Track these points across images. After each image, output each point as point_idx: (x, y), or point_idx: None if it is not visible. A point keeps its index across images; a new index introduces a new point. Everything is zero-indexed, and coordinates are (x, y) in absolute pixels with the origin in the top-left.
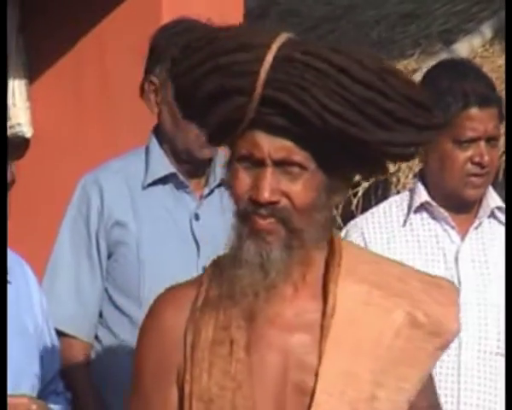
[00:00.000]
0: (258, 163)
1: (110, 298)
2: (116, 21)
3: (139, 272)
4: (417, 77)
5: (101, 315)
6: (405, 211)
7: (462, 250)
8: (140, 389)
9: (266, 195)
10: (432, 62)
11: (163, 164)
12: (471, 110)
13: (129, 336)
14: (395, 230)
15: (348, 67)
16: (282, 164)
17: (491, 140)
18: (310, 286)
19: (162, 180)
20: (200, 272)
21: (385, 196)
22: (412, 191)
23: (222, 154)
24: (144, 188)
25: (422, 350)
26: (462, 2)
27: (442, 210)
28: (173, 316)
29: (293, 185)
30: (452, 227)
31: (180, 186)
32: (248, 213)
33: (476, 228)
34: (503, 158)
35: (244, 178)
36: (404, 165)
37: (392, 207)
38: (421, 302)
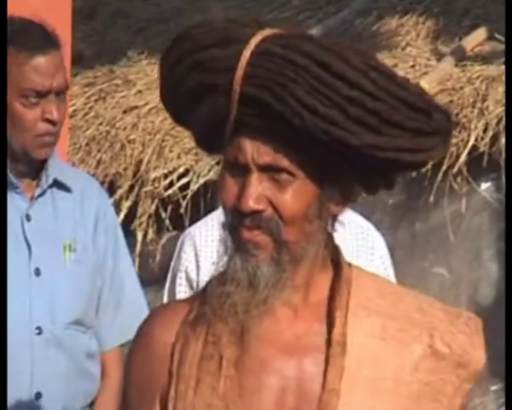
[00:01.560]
0: (243, 170)
1: None
2: None
3: None
4: None
5: None
6: None
7: None
8: (126, 407)
9: (250, 203)
10: None
11: None
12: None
13: None
14: None
15: (330, 63)
16: (268, 170)
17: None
18: (312, 308)
19: None
20: (33, 274)
21: (214, 200)
22: None
23: (56, 154)
24: None
25: (448, 383)
26: (289, 9)
27: None
28: (161, 332)
29: (281, 194)
30: None
31: (10, 187)
32: (235, 225)
33: None
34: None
35: (230, 187)
36: None
37: None
38: (442, 332)
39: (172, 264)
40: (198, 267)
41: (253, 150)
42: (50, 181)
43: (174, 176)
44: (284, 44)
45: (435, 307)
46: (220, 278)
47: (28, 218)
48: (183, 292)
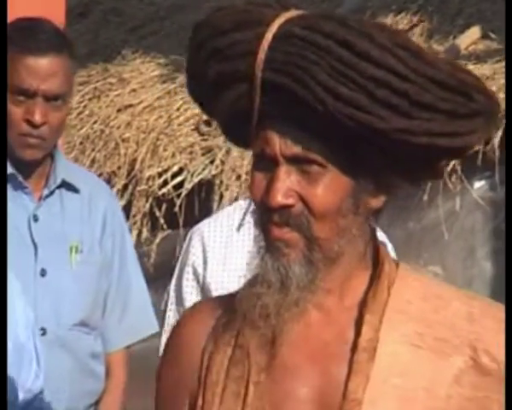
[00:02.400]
0: (271, 162)
1: None
2: None
3: None
4: None
5: None
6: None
7: None
8: (157, 408)
9: (278, 198)
10: None
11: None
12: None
13: None
14: (234, 234)
15: (354, 42)
16: (297, 162)
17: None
18: (347, 312)
19: None
20: (38, 274)
21: (208, 198)
22: None
23: (61, 154)
24: None
25: (495, 402)
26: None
27: None
28: (192, 336)
29: (312, 187)
30: None
31: (18, 187)
32: (264, 222)
33: None
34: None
35: (258, 181)
36: (227, 167)
37: (236, 210)
38: (488, 344)
39: (180, 258)
40: (205, 262)
41: (281, 141)
42: (58, 181)
43: (168, 175)
44: (304, 25)
45: (488, 315)
46: (252, 280)
47: (36, 218)
48: (190, 286)
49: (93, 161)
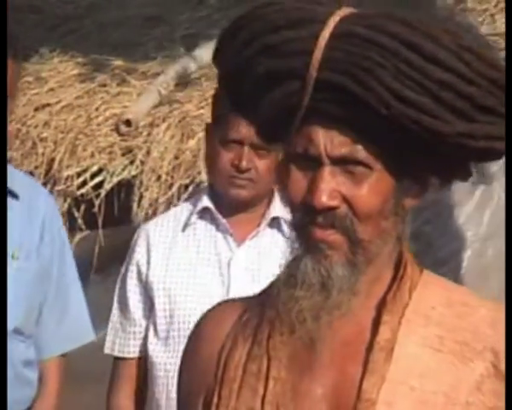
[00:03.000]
0: (314, 162)
1: None
2: None
3: None
4: (160, 79)
5: None
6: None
7: (237, 257)
8: (177, 404)
9: (324, 199)
10: (175, 66)
11: None
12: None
13: None
14: (179, 235)
15: (421, 44)
16: (342, 163)
17: (257, 148)
18: (371, 312)
19: None
20: None
21: (128, 199)
22: (199, 195)
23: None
24: None
25: None
26: (205, 8)
27: (220, 216)
28: (211, 332)
29: (357, 188)
30: (231, 234)
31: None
32: (305, 223)
33: (255, 236)
34: None
35: (299, 181)
36: (147, 167)
37: (184, 211)
38: None
39: (127, 256)
40: (148, 262)
41: (327, 141)
42: None
43: (87, 175)
44: (367, 25)
45: None
46: (288, 281)
47: None
48: (133, 285)
49: (9, 161)
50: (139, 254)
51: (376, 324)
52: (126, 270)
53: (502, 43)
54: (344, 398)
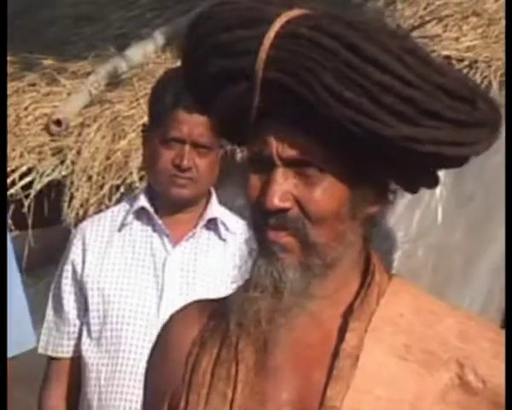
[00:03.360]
0: (268, 164)
1: None
2: None
3: None
4: (91, 79)
5: None
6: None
7: (172, 258)
8: (143, 406)
9: (275, 201)
10: (106, 65)
11: None
12: (179, 112)
13: None
14: (115, 234)
15: (361, 46)
16: (295, 165)
17: (198, 147)
18: (338, 319)
19: None
20: None
21: (58, 199)
22: (137, 195)
23: None
24: None
25: None
26: (137, 7)
27: (156, 217)
28: (178, 335)
29: (310, 191)
30: (167, 235)
31: None
32: (260, 225)
33: (191, 237)
34: None
35: (254, 183)
36: (78, 167)
37: (121, 210)
38: (478, 364)
39: (63, 256)
40: (84, 262)
41: (278, 143)
42: None
43: (16, 175)
44: (311, 25)
45: (485, 337)
46: (244, 284)
47: None
48: (68, 284)
49: None
50: (74, 253)
51: (343, 331)
52: (62, 269)
53: (432, 46)
54: (308, 404)
